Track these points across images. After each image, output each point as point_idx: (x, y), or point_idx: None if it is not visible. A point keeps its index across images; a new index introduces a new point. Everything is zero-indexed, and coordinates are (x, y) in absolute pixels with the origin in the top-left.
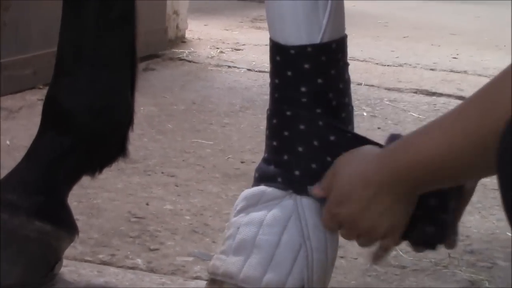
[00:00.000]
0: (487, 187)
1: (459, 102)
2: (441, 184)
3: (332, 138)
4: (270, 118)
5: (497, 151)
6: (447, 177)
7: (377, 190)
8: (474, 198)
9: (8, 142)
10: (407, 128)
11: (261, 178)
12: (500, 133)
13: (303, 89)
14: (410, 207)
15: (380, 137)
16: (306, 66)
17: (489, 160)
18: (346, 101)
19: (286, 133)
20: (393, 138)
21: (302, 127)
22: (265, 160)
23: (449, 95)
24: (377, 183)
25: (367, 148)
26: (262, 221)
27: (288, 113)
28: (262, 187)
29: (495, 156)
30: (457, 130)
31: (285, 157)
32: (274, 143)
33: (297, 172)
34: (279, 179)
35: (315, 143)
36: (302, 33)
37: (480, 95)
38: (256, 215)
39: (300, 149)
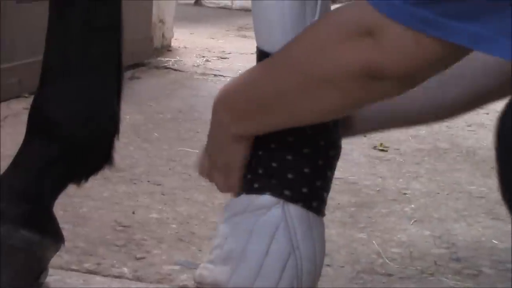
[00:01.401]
0: (473, 195)
1: None
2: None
3: (321, 143)
4: None
5: (496, 139)
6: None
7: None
8: (460, 205)
9: None
10: (392, 136)
11: (249, 186)
12: (498, 119)
13: None
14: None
15: (366, 145)
16: None
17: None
18: None
19: (273, 146)
20: None
21: (290, 138)
22: (252, 169)
23: None
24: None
25: None
26: (251, 230)
27: None
28: (249, 196)
29: (495, 142)
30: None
31: (273, 164)
32: (260, 153)
33: (285, 180)
34: (267, 187)
35: (305, 150)
36: (289, 40)
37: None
38: (244, 223)
39: (288, 157)
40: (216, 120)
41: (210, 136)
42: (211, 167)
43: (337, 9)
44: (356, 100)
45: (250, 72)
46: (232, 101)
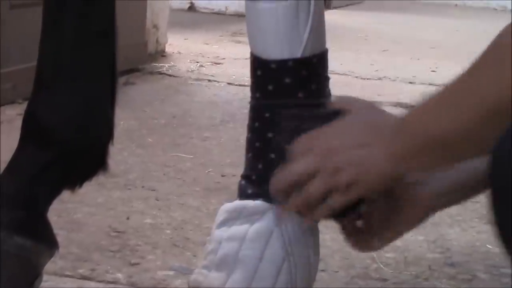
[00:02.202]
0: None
1: None
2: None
3: None
4: (251, 136)
5: (489, 162)
6: (455, 157)
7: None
8: (454, 211)
9: None
10: None
11: (243, 192)
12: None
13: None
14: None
15: None
16: (287, 80)
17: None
18: None
19: (272, 156)
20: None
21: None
22: (246, 175)
23: None
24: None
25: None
26: (244, 235)
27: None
28: (243, 201)
29: (488, 167)
30: (465, 105)
31: (267, 170)
32: (254, 159)
33: None
34: (260, 193)
35: None
36: (283, 47)
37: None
38: (238, 229)
39: (283, 163)
40: (364, 158)
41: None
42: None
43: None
44: None
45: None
46: (402, 141)
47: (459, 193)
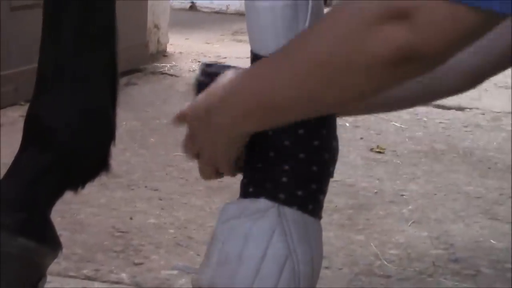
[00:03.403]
0: (470, 196)
1: (440, 111)
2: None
3: (315, 143)
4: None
5: None
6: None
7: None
8: (458, 206)
9: None
10: (389, 138)
11: (245, 191)
12: None
13: None
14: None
15: (362, 147)
16: None
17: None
18: None
19: (271, 154)
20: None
21: (286, 142)
22: (247, 173)
23: (430, 104)
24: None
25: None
26: (247, 234)
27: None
28: (245, 200)
29: None
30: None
31: (269, 168)
32: (255, 157)
33: (281, 183)
34: (262, 191)
35: (300, 155)
36: (282, 44)
37: None
38: (240, 228)
39: (283, 161)
40: (210, 124)
41: (197, 139)
42: (199, 156)
43: None
44: (384, 85)
45: (254, 71)
46: (235, 100)
47: None
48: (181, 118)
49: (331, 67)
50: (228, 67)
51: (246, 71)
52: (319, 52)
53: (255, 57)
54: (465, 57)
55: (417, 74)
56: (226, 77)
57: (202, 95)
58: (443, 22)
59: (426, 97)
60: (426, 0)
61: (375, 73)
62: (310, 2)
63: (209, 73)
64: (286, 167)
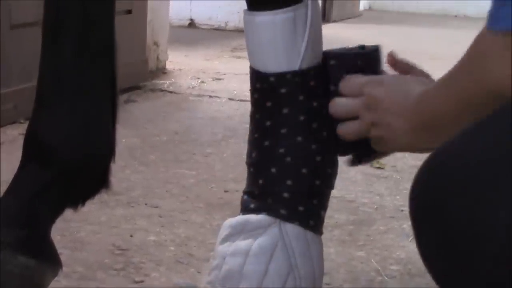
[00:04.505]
0: None
1: None
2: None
3: (318, 158)
4: (250, 150)
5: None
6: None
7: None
8: None
9: None
10: None
11: (246, 207)
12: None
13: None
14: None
15: None
16: (283, 91)
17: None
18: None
19: (273, 170)
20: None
21: (288, 158)
22: (248, 190)
23: None
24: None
25: (414, 83)
26: (248, 250)
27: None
28: (246, 216)
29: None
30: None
31: (270, 184)
32: (256, 173)
33: (282, 199)
34: (263, 207)
35: (303, 170)
36: (281, 60)
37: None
38: (241, 244)
39: (285, 177)
40: (395, 126)
41: (384, 121)
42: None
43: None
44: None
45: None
46: (417, 120)
47: None
48: (367, 91)
49: (472, 98)
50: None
51: (431, 89)
52: (464, 84)
53: (254, 73)
54: None
55: None
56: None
57: (396, 84)
58: None
59: None
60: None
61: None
62: (309, 16)
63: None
64: (288, 183)
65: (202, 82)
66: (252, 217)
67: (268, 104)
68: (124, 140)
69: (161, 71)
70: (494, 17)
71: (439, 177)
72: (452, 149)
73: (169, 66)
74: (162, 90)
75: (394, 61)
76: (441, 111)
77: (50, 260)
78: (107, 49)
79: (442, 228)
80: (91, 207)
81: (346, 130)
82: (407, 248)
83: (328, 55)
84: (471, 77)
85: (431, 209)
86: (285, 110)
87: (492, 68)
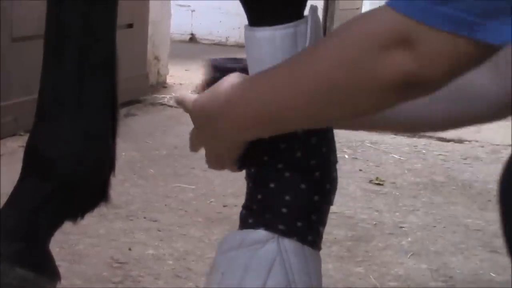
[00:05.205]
0: (469, 228)
1: (439, 143)
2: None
3: (316, 174)
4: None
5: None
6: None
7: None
8: (457, 238)
9: None
10: (388, 170)
11: (244, 222)
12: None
13: None
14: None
15: (362, 179)
16: None
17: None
18: (329, 138)
19: (272, 185)
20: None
21: (287, 174)
22: (247, 205)
23: (429, 137)
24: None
25: (229, 79)
26: (246, 265)
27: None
28: (244, 230)
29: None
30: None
31: (268, 199)
32: (255, 188)
33: (280, 214)
34: (261, 222)
35: (301, 185)
36: None
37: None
38: (239, 259)
39: (284, 192)
40: (214, 128)
41: (202, 136)
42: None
43: (357, 17)
44: (387, 106)
45: (259, 82)
46: (238, 112)
47: None
48: (185, 109)
49: (337, 87)
50: (236, 59)
51: (251, 81)
52: (326, 71)
53: None
54: (491, 86)
55: (417, 97)
56: (231, 80)
57: (206, 94)
58: (444, 51)
59: (447, 124)
60: (429, 30)
61: (379, 95)
62: (309, 32)
63: (222, 68)
64: (287, 198)
65: None
66: (251, 232)
67: None
68: (123, 153)
69: (161, 85)
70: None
71: None
72: None
73: (169, 80)
74: (162, 104)
75: None
76: (278, 105)
77: (49, 272)
78: (108, 63)
79: None
80: (90, 220)
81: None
82: (405, 264)
83: (215, 67)
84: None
85: None
86: None
87: (385, 56)
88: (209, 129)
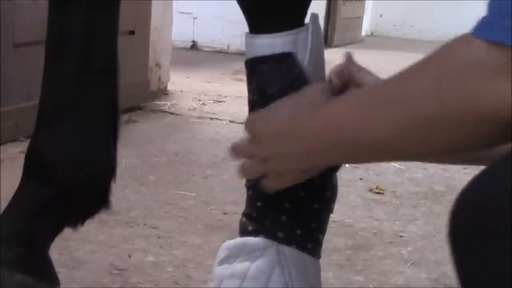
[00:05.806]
0: None
1: None
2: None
3: (316, 182)
4: None
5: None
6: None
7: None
8: None
9: None
10: (388, 179)
11: (244, 229)
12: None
13: None
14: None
15: (362, 188)
16: None
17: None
18: None
19: (272, 193)
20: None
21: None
22: (247, 212)
23: None
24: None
25: (306, 95)
26: (246, 273)
27: None
28: (244, 238)
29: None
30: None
31: (268, 207)
32: (255, 196)
33: (280, 222)
34: (261, 230)
35: (301, 193)
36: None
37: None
38: (239, 267)
39: (283, 200)
40: (287, 150)
41: (270, 154)
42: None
43: (448, 46)
44: (490, 143)
45: (347, 105)
46: (320, 136)
47: None
48: (249, 128)
49: (438, 119)
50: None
51: (338, 103)
52: (426, 101)
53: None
54: None
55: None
56: (308, 96)
57: (279, 110)
58: None
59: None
60: None
61: (485, 129)
62: (309, 39)
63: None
64: (287, 206)
65: (203, 104)
66: (250, 239)
67: None
68: (124, 160)
69: (162, 92)
70: (496, 26)
71: (486, 200)
72: (499, 172)
73: (170, 87)
74: (163, 111)
75: (350, 60)
76: (367, 133)
77: (48, 278)
78: (109, 69)
79: (488, 254)
80: (90, 226)
81: (241, 169)
82: (405, 273)
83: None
84: (441, 95)
85: (475, 234)
86: None
87: (491, 87)
88: (276, 150)
